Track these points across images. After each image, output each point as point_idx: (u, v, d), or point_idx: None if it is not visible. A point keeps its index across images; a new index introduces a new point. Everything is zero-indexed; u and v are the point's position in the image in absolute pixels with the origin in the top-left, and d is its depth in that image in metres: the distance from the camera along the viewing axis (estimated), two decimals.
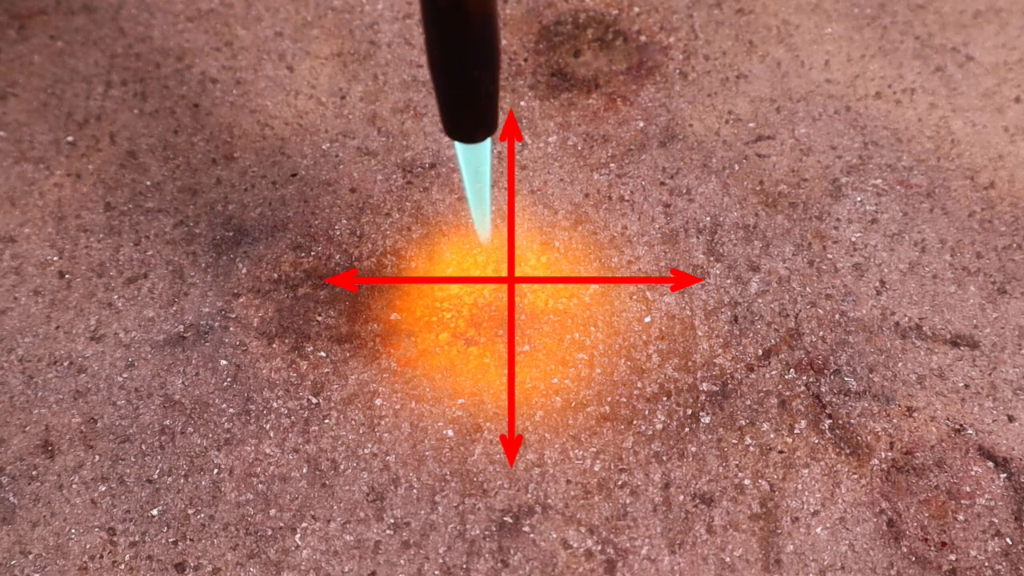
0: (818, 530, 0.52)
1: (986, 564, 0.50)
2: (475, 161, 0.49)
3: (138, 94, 0.71)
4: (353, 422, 0.56)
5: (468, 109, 0.43)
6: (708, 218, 0.63)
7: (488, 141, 0.47)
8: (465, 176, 0.51)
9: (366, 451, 0.55)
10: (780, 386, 0.56)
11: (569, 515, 0.53)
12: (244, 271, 0.62)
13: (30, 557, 0.53)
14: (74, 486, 0.55)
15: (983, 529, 0.52)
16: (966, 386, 0.56)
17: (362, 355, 0.59)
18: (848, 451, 0.54)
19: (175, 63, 0.73)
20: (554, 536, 0.52)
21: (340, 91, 0.70)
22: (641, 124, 0.68)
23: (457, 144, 0.47)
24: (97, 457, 0.56)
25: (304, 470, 0.55)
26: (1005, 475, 0.53)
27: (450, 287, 0.61)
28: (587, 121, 0.68)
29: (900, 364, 0.57)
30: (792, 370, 0.57)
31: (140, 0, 0.76)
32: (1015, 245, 0.61)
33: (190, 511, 0.54)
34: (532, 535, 0.52)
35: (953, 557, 0.51)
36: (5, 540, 0.53)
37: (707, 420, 0.55)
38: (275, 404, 0.57)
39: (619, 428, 0.55)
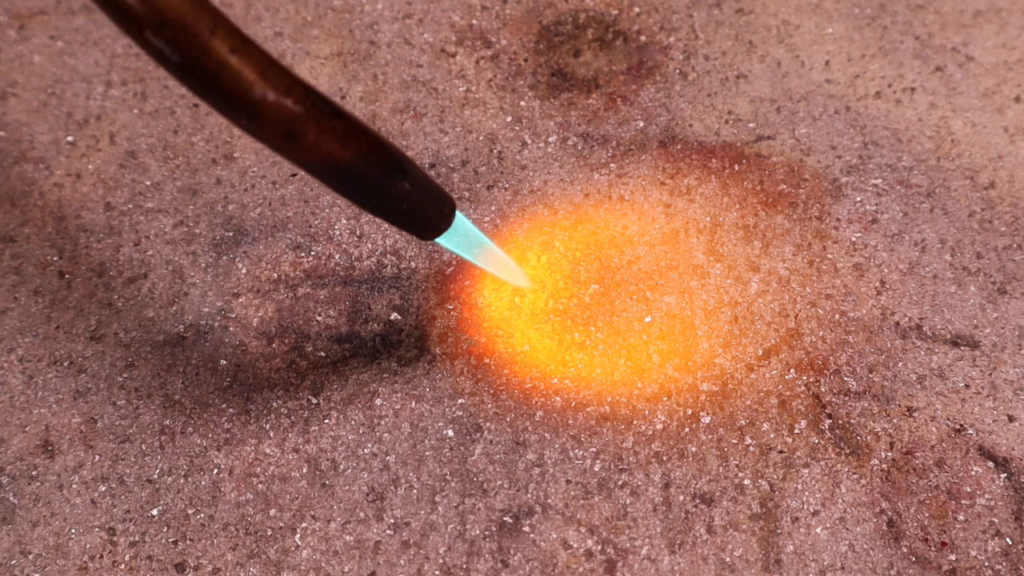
0: (818, 530, 0.52)
1: (986, 564, 0.50)
2: (460, 238, 0.49)
3: (138, 94, 0.71)
4: (353, 422, 0.56)
5: (408, 219, 0.43)
6: (708, 218, 0.63)
7: (458, 218, 0.47)
8: (464, 254, 0.51)
9: (366, 451, 0.55)
10: (780, 386, 0.56)
11: (569, 515, 0.53)
12: (244, 271, 0.62)
13: (30, 557, 0.53)
14: (74, 486, 0.55)
15: (983, 529, 0.52)
16: (966, 386, 0.56)
17: (362, 355, 0.59)
18: (848, 451, 0.54)
19: None
20: (554, 536, 0.52)
21: (340, 91, 0.70)
22: (641, 124, 0.68)
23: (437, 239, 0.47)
24: (97, 457, 0.56)
25: (304, 470, 0.55)
26: (1005, 475, 0.53)
27: (449, 286, 0.61)
28: (587, 121, 0.68)
29: (900, 364, 0.57)
30: (792, 370, 0.57)
31: None
32: (1015, 245, 0.61)
33: (190, 511, 0.54)
34: (532, 535, 0.52)
35: (953, 557, 0.51)
36: (5, 540, 0.53)
37: (707, 420, 0.55)
38: (275, 404, 0.57)
39: (619, 428, 0.55)
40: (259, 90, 0.33)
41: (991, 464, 0.53)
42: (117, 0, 0.30)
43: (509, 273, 0.58)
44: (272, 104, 0.34)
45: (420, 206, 0.43)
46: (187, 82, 0.33)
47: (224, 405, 0.57)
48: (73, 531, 0.53)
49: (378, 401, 0.57)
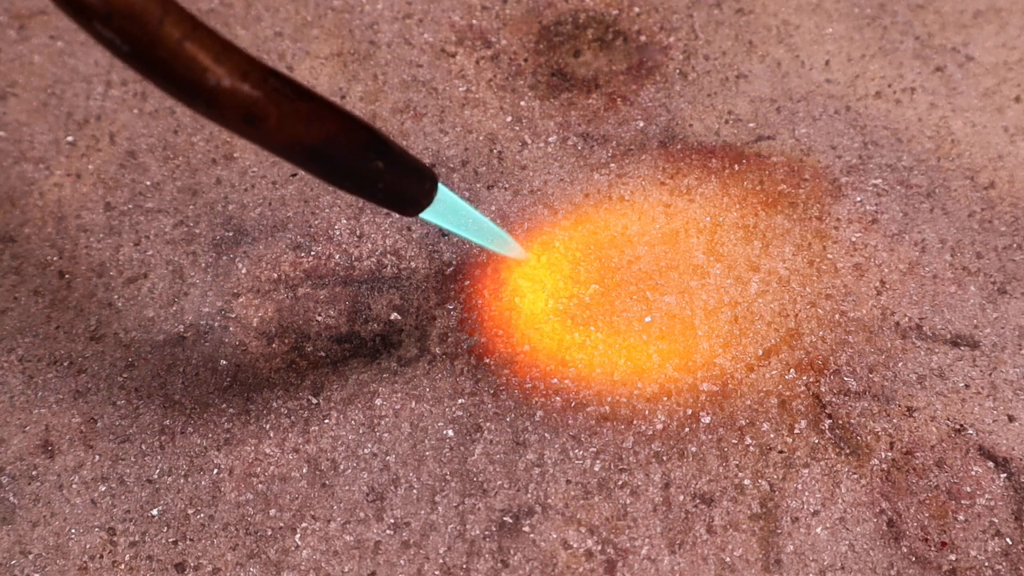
0: (818, 530, 0.52)
1: (986, 564, 0.50)
2: (446, 211, 0.48)
3: (138, 94, 0.71)
4: (353, 422, 0.56)
5: (385, 197, 0.43)
6: (708, 218, 0.63)
7: (441, 191, 0.47)
8: (452, 228, 0.51)
9: (366, 451, 0.55)
10: (780, 386, 0.56)
11: (569, 515, 0.53)
12: (244, 271, 0.62)
13: (30, 557, 0.53)
14: (74, 486, 0.55)
15: (983, 529, 0.52)
16: (966, 386, 0.56)
17: (362, 355, 0.59)
18: (848, 451, 0.54)
19: None
20: (554, 536, 0.52)
21: (340, 91, 0.71)
22: (641, 124, 0.68)
23: (422, 215, 0.47)
24: (97, 457, 0.56)
25: (304, 470, 0.55)
26: (1005, 475, 0.53)
27: (449, 286, 0.61)
28: (587, 121, 0.68)
29: (900, 364, 0.57)
30: (792, 370, 0.57)
31: None
32: (1015, 245, 0.61)
33: (190, 511, 0.54)
34: (532, 535, 0.52)
35: (953, 557, 0.51)
36: (5, 540, 0.53)
37: (707, 420, 0.55)
38: (275, 404, 0.57)
39: (619, 428, 0.55)
40: (213, 76, 0.33)
41: (991, 464, 0.53)
42: None
43: (502, 245, 0.57)
44: (228, 89, 0.33)
45: (397, 184, 0.43)
46: (141, 71, 0.33)
47: (224, 405, 0.57)
48: (73, 531, 0.53)
49: (378, 401, 0.57)
